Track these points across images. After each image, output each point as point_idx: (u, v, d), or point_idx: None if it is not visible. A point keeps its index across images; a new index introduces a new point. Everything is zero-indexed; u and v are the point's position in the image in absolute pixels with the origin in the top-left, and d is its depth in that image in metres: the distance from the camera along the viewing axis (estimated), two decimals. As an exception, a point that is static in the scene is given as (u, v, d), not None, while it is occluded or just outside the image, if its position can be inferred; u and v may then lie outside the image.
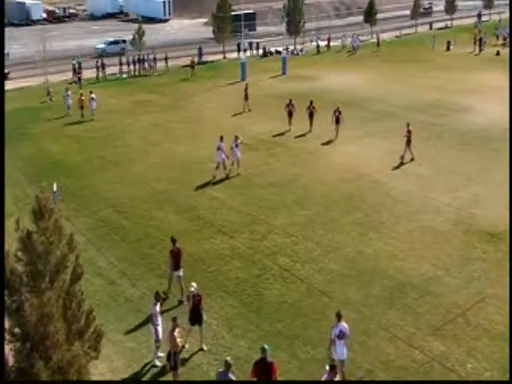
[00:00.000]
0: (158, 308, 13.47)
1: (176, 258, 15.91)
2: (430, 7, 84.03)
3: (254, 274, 17.20)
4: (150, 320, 13.70)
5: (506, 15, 67.39)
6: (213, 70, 50.08)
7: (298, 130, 31.05)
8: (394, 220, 20.48)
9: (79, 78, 44.30)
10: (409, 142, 25.88)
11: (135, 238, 19.59)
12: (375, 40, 59.93)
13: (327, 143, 28.98)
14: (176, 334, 12.56)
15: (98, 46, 57.09)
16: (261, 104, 36.59)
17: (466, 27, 68.28)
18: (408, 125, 26.11)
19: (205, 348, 13.98)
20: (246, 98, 35.35)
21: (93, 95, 34.72)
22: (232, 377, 11.51)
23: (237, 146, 24.83)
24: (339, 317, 12.99)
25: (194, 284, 14.27)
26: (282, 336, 14.42)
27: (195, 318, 14.00)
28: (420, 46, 59.28)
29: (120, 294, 16.41)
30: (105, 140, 30.54)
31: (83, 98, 34.09)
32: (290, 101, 31.40)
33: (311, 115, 30.77)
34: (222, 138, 24.53)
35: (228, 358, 11.78)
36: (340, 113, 29.45)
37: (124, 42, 57.71)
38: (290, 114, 31.22)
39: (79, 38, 65.76)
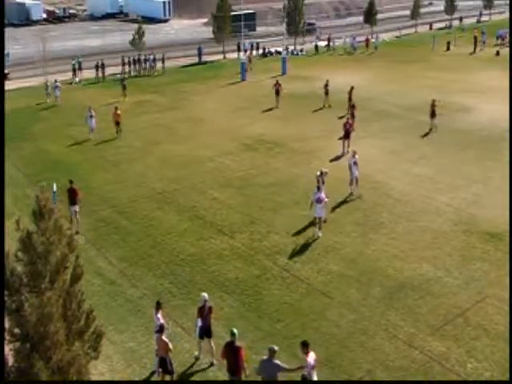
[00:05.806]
0: (160, 315, 13.31)
1: (71, 196, 19.66)
2: (313, 23, 70.67)
3: (253, 274, 17.20)
4: (156, 331, 13.33)
5: (503, 16, 67.52)
6: (213, 70, 50.10)
7: (297, 128, 31.09)
8: (394, 220, 20.48)
9: (124, 86, 39.58)
10: (347, 135, 26.87)
11: (135, 238, 19.60)
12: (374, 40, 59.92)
13: (326, 143, 29.00)
14: (164, 338, 12.42)
15: None
16: (261, 104, 36.61)
17: (467, 28, 68.32)
18: (348, 118, 27.71)
19: (215, 362, 13.41)
20: (327, 93, 35.96)
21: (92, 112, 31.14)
22: (277, 362, 11.38)
23: (355, 163, 22.37)
24: (318, 188, 19.07)
25: (205, 294, 13.53)
26: (281, 336, 14.41)
27: (204, 331, 13.34)
28: (420, 46, 59.28)
29: (120, 294, 16.41)
30: (105, 140, 30.53)
31: (119, 112, 30.79)
32: (277, 81, 36.71)
33: (277, 92, 35.77)
34: (354, 152, 22.77)
35: (274, 346, 11.56)
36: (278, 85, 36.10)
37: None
38: (277, 93, 35.89)
39: (79, 38, 65.78)
